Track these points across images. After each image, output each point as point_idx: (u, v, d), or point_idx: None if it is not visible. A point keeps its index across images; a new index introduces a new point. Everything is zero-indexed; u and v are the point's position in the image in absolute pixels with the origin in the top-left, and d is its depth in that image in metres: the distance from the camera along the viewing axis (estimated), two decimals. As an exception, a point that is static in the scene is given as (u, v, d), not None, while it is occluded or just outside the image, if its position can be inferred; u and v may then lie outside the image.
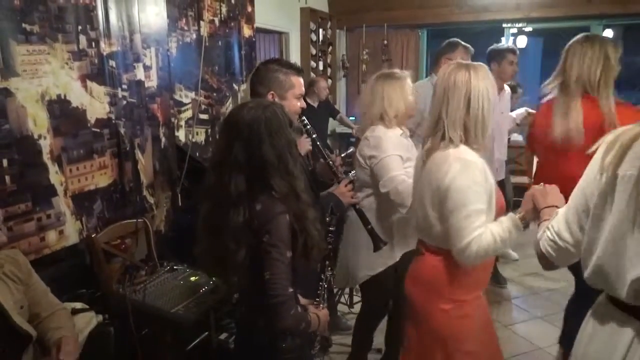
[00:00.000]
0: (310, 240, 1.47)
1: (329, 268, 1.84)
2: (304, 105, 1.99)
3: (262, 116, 1.44)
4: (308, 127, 2.00)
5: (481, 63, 1.68)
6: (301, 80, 1.95)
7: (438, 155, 1.62)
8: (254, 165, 1.43)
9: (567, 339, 2.61)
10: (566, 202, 1.30)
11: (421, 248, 1.77)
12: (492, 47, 3.53)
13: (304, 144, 2.10)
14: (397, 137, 2.22)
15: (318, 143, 2.03)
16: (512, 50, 3.51)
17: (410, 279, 1.81)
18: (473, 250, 1.52)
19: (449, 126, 1.59)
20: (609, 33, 5.46)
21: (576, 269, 2.52)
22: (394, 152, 2.16)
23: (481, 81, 1.59)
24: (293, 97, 1.91)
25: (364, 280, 2.36)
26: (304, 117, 1.99)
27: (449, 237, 1.59)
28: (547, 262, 1.33)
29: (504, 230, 1.54)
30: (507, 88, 3.65)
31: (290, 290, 1.42)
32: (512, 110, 3.82)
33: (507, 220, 1.56)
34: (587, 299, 2.52)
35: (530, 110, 3.72)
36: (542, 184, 1.56)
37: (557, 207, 1.43)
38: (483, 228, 1.53)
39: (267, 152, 1.42)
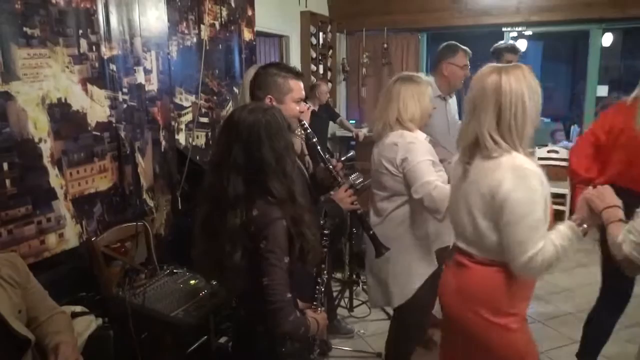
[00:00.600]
0: (307, 244, 1.47)
1: (326, 272, 1.83)
2: (303, 109, 1.96)
3: (262, 119, 1.45)
4: (308, 131, 1.99)
5: (519, 64, 1.58)
6: (301, 84, 1.93)
7: (487, 163, 1.51)
8: (252, 168, 1.43)
9: (588, 353, 2.59)
10: None
11: (462, 259, 1.64)
12: (494, 45, 3.46)
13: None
14: (426, 142, 2.17)
15: (318, 147, 2.02)
16: (510, 49, 3.39)
17: (454, 293, 1.67)
18: (538, 263, 1.44)
19: (483, 135, 1.50)
20: (608, 37, 5.46)
21: (608, 279, 2.49)
22: (425, 157, 2.09)
23: (514, 84, 1.47)
24: (291, 101, 1.90)
25: (410, 296, 2.21)
26: (304, 122, 1.98)
27: (506, 249, 1.49)
28: (632, 266, 1.31)
29: (564, 239, 1.47)
30: None
31: (289, 295, 1.42)
32: None
33: (566, 229, 1.49)
34: (613, 311, 2.51)
35: None
36: (590, 187, 1.54)
37: (617, 206, 1.42)
38: (544, 239, 1.46)
39: (266, 155, 1.42)
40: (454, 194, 1.71)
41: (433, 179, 2.03)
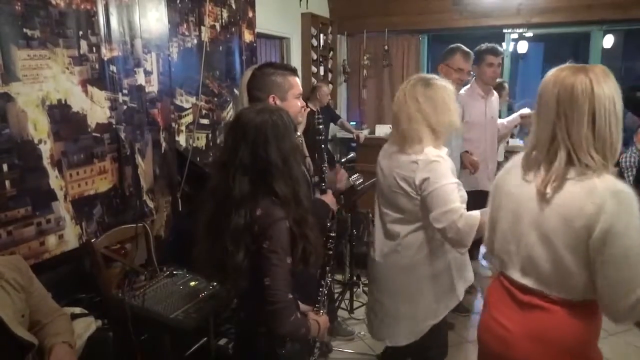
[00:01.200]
0: (309, 246, 1.47)
1: (329, 274, 1.82)
2: (304, 104, 1.99)
3: (269, 120, 1.46)
4: (321, 126, 2.01)
5: (598, 64, 1.35)
6: (297, 79, 1.96)
7: (577, 186, 1.26)
8: (258, 168, 1.44)
9: None
10: None
11: (532, 299, 1.38)
12: (475, 48, 3.31)
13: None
14: (450, 159, 1.91)
15: (322, 146, 2.03)
16: (491, 51, 3.27)
17: (529, 342, 1.38)
18: None
19: (576, 149, 1.25)
20: (609, 39, 5.46)
21: None
22: (450, 179, 1.83)
23: (605, 88, 1.24)
24: (293, 97, 1.92)
25: (425, 332, 2.00)
26: (320, 115, 2.00)
27: (607, 289, 1.25)
28: None
29: None
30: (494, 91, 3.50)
31: (290, 296, 1.42)
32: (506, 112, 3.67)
33: None
34: None
35: (524, 113, 3.61)
36: None
37: None
38: None
39: (273, 156, 1.43)
40: (513, 223, 1.42)
41: (459, 205, 1.79)
